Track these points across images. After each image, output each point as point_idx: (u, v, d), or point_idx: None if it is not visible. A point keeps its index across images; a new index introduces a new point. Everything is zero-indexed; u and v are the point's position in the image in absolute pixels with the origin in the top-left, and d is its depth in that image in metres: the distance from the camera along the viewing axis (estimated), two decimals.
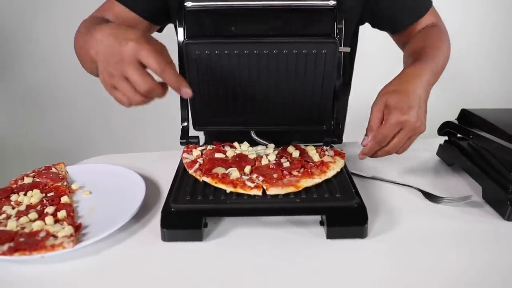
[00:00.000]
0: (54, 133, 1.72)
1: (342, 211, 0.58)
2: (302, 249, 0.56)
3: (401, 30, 0.87)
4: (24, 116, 1.75)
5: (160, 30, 0.89)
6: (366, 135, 0.66)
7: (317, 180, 0.63)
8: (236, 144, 0.75)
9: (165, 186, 0.71)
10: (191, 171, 0.67)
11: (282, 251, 0.56)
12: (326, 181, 0.64)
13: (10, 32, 1.62)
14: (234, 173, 0.64)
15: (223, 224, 0.61)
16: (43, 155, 1.49)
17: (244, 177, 0.63)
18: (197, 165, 0.68)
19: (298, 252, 0.55)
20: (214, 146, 0.74)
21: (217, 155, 0.70)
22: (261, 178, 0.63)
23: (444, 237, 0.58)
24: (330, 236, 0.57)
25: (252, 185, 0.61)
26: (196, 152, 0.73)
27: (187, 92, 0.57)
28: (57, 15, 1.60)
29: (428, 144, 0.83)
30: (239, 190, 0.61)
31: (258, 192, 0.60)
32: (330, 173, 0.65)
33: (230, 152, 0.71)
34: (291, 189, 0.60)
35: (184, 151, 0.73)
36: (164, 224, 0.57)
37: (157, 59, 0.55)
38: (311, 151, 0.71)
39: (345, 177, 0.65)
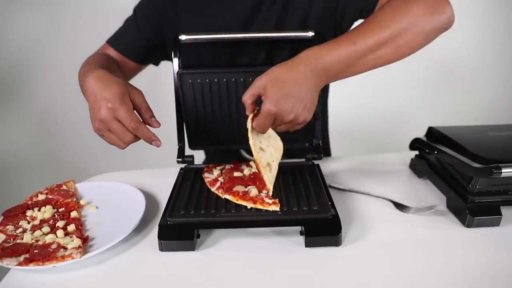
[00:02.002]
0: (65, 152, 1.82)
1: (319, 222, 0.64)
2: (283, 257, 0.62)
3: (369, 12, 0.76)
4: (39, 136, 1.85)
5: (156, 64, 0.99)
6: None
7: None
8: (252, 163, 0.82)
9: (163, 200, 0.78)
10: (213, 189, 0.74)
11: (266, 259, 0.62)
12: (306, 194, 0.71)
13: (26, 54, 1.72)
14: (253, 191, 0.70)
15: (214, 234, 0.68)
16: (56, 171, 1.58)
17: (262, 194, 0.70)
18: (218, 184, 0.75)
19: (280, 260, 0.62)
20: (232, 165, 0.82)
21: (236, 173, 0.77)
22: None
23: (411, 243, 0.64)
24: (308, 244, 0.64)
25: (270, 201, 0.68)
26: (216, 171, 0.80)
27: (158, 144, 0.67)
28: (71, 40, 1.72)
29: (403, 158, 0.91)
30: (259, 206, 0.67)
31: (276, 208, 0.67)
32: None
33: (247, 171, 0.78)
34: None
35: (205, 171, 0.81)
36: (161, 235, 0.64)
37: (130, 120, 0.63)
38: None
39: (322, 191, 0.72)
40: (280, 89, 0.61)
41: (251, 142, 0.67)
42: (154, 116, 0.69)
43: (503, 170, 0.60)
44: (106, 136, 0.67)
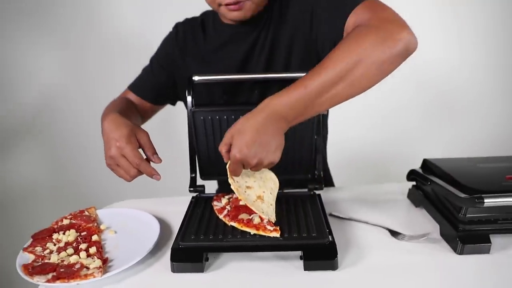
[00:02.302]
0: (87, 182, 1.95)
1: (317, 248, 0.69)
2: (284, 280, 0.67)
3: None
4: (61, 168, 2.00)
5: (173, 104, 1.10)
6: None
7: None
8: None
9: (176, 226, 0.85)
10: (221, 216, 0.80)
11: (268, 281, 0.67)
12: (306, 221, 0.77)
13: (47, 92, 1.88)
14: (256, 218, 0.76)
15: (222, 258, 0.74)
16: (79, 199, 1.69)
17: (264, 222, 0.75)
18: (225, 211, 0.82)
19: (281, 282, 0.67)
20: None
21: (241, 202, 0.82)
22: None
23: (404, 269, 0.68)
24: (307, 268, 0.69)
25: (271, 228, 0.73)
26: (224, 200, 0.87)
27: (157, 178, 0.76)
28: (87, 81, 1.88)
29: (402, 188, 0.96)
30: (261, 232, 0.73)
31: (277, 234, 0.72)
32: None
33: None
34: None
35: (214, 199, 0.88)
36: (173, 258, 0.70)
37: (134, 157, 0.74)
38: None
39: (321, 219, 0.77)
40: (242, 138, 0.67)
41: (232, 187, 0.75)
42: (156, 153, 0.79)
43: (485, 200, 0.65)
44: (115, 170, 0.78)
